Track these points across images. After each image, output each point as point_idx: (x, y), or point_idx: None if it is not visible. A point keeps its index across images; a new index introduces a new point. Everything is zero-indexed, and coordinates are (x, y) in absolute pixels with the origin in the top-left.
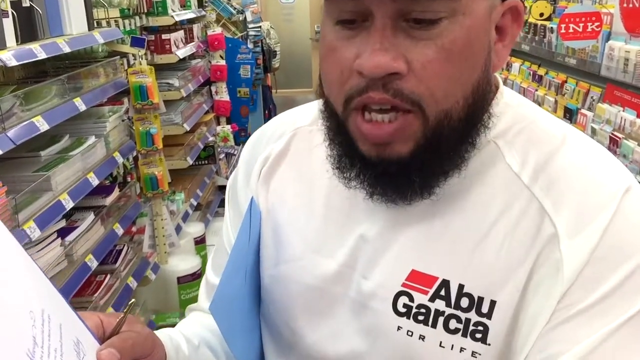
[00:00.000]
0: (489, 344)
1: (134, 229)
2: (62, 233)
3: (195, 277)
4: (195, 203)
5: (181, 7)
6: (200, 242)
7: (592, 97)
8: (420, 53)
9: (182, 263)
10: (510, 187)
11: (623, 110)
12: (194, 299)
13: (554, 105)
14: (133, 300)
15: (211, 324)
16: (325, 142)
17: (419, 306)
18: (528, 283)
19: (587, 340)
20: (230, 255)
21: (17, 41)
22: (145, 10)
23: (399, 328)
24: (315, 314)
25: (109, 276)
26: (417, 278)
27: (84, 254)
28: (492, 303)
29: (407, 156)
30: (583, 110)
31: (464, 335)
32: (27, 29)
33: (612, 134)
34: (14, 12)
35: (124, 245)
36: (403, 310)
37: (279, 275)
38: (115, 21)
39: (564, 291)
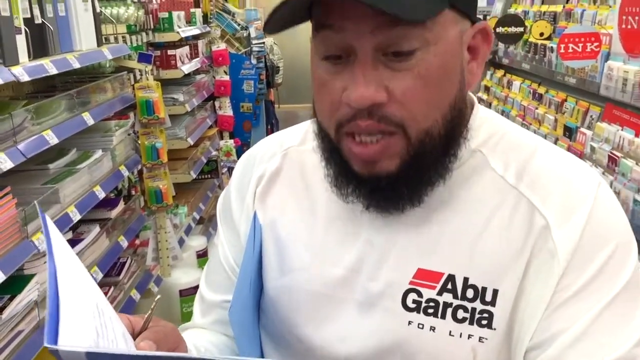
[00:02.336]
0: (495, 329)
1: (137, 241)
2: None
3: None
4: (197, 217)
5: (186, 23)
6: (202, 255)
7: (591, 116)
8: (400, 82)
9: (184, 276)
10: (498, 188)
11: (622, 129)
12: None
13: (553, 123)
14: (159, 296)
15: (210, 338)
16: (321, 162)
17: (428, 300)
18: (527, 271)
19: (585, 316)
20: (240, 267)
21: (29, 57)
22: (152, 27)
23: (409, 322)
24: (322, 320)
25: (112, 288)
26: (423, 275)
27: (89, 266)
28: (495, 292)
29: (395, 172)
30: (582, 129)
31: (471, 323)
32: (39, 45)
33: (611, 152)
34: (27, 29)
35: (128, 257)
36: (413, 305)
37: (284, 286)
38: (123, 37)
39: (561, 274)
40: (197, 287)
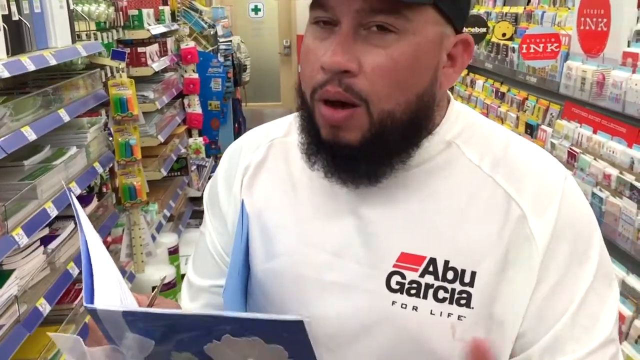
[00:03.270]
0: (473, 308)
1: (109, 239)
2: (45, 241)
3: (170, 286)
4: (168, 214)
5: (156, 20)
6: (173, 252)
7: (551, 114)
8: (372, 58)
9: (157, 272)
10: (475, 177)
11: (580, 127)
12: None
13: (515, 121)
14: (165, 275)
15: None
16: (297, 131)
17: (411, 282)
18: (506, 256)
19: (573, 302)
20: (231, 254)
21: (7, 53)
22: (122, 24)
23: (393, 302)
24: (308, 301)
25: None
26: (406, 259)
27: (66, 262)
28: (473, 274)
29: (356, 144)
30: (543, 126)
31: (451, 302)
32: (16, 42)
33: (570, 148)
34: (5, 25)
35: None
36: (396, 287)
37: (271, 270)
38: (94, 34)
39: (540, 260)
40: (169, 284)
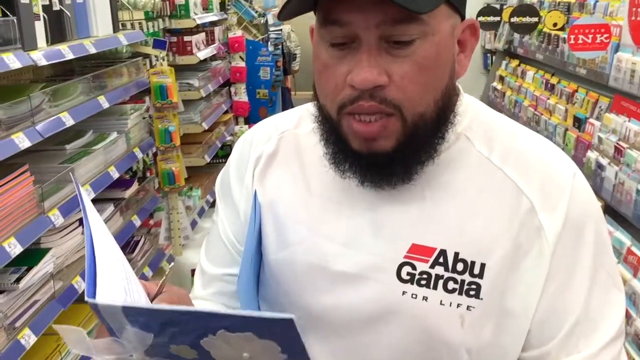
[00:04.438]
0: (482, 299)
1: (151, 222)
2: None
3: None
4: (211, 200)
5: (203, 9)
6: None
7: (600, 107)
8: (399, 67)
9: (196, 256)
10: (484, 169)
11: (629, 121)
12: None
13: (564, 113)
14: (173, 264)
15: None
16: (320, 142)
17: (421, 273)
18: (516, 249)
19: (585, 297)
20: (245, 243)
21: (47, 42)
22: (169, 13)
23: (403, 292)
24: (320, 290)
25: None
26: (417, 250)
27: None
28: (482, 265)
29: (391, 151)
30: (591, 120)
31: (460, 293)
32: (57, 31)
33: (617, 143)
34: (45, 15)
35: (142, 236)
36: (407, 277)
37: (284, 259)
38: (140, 23)
39: (551, 254)
40: None
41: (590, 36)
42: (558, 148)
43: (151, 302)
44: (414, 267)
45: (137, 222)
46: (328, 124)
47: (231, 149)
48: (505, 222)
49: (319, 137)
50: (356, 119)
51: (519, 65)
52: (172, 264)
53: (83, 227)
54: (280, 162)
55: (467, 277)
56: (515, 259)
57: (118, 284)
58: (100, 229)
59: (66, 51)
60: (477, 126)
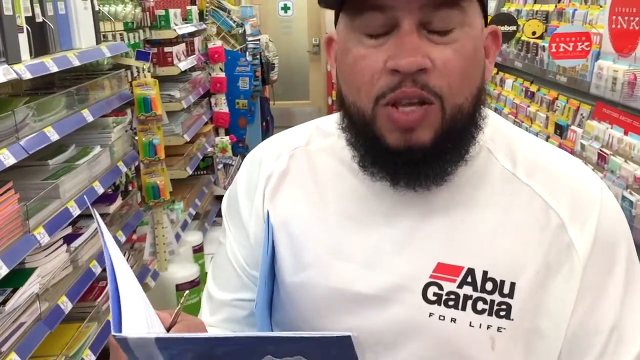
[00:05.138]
0: (512, 319)
1: (134, 236)
2: (68, 239)
3: (194, 284)
4: (194, 212)
5: (183, 20)
6: (198, 250)
7: (581, 114)
8: (441, 53)
9: (181, 270)
10: (511, 184)
11: (611, 128)
12: (192, 306)
13: (545, 121)
14: (187, 291)
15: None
16: (348, 146)
17: (449, 293)
18: (547, 266)
19: (617, 313)
20: (260, 266)
21: (30, 55)
22: (149, 24)
23: (430, 314)
24: (340, 313)
25: None
26: (443, 269)
27: (89, 260)
28: (512, 285)
29: (429, 144)
30: (573, 127)
31: (490, 314)
32: (40, 43)
33: (600, 150)
34: (28, 28)
35: (126, 252)
36: (433, 298)
37: (300, 282)
38: (120, 34)
39: (582, 272)
40: (193, 282)
41: (572, 44)
42: (581, 162)
43: (168, 331)
44: (440, 287)
45: (122, 237)
46: (358, 124)
47: (212, 160)
48: (535, 239)
49: (344, 142)
50: (396, 108)
51: (497, 73)
52: (187, 292)
53: (68, 244)
54: (292, 180)
55: (496, 297)
56: (546, 277)
57: (141, 315)
58: (118, 258)
59: (50, 64)
60: (499, 139)
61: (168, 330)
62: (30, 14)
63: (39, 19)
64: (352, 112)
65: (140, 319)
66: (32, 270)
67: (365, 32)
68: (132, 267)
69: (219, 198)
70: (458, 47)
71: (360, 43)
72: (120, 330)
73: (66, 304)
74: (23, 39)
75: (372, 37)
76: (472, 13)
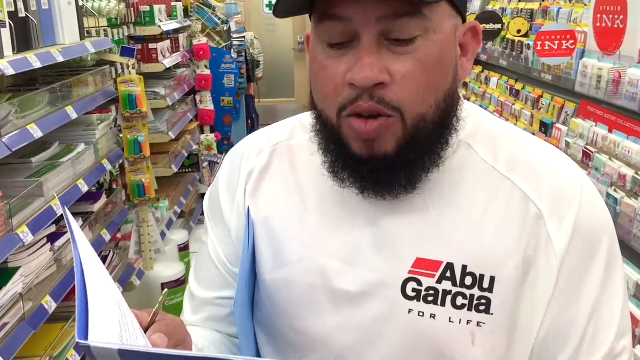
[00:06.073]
0: (492, 314)
1: (119, 235)
2: (52, 238)
3: (180, 283)
4: (179, 210)
5: (168, 16)
6: (183, 249)
7: (566, 112)
8: (401, 66)
9: (166, 270)
10: (490, 178)
11: (595, 125)
12: (178, 305)
13: (530, 119)
14: (166, 290)
15: (205, 335)
16: (318, 150)
17: (428, 289)
18: (526, 260)
19: (593, 308)
20: (240, 263)
21: (13, 51)
22: (133, 20)
23: (410, 311)
24: (321, 311)
25: None
26: (422, 264)
27: (73, 259)
28: (492, 279)
29: (392, 154)
30: (558, 125)
31: (470, 309)
32: (23, 39)
33: (585, 148)
34: (11, 23)
35: (110, 251)
36: (412, 294)
37: (280, 279)
38: (104, 30)
39: (559, 266)
40: (178, 281)
41: (557, 42)
42: (566, 156)
43: (145, 332)
44: (419, 283)
45: (107, 236)
46: (328, 130)
47: (198, 158)
48: (514, 233)
49: (316, 146)
50: (357, 118)
51: (482, 71)
52: (166, 290)
53: (52, 243)
54: (273, 176)
55: (476, 292)
56: (525, 272)
57: (112, 317)
58: (90, 260)
59: (33, 60)
60: (481, 134)
61: (146, 330)
62: (13, 9)
63: (22, 14)
64: (323, 117)
65: (112, 321)
66: (16, 269)
67: (328, 41)
68: (117, 266)
69: (204, 196)
70: (421, 56)
71: (323, 51)
72: (85, 337)
73: (50, 304)
74: (5, 34)
75: (333, 47)
76: (439, 17)
